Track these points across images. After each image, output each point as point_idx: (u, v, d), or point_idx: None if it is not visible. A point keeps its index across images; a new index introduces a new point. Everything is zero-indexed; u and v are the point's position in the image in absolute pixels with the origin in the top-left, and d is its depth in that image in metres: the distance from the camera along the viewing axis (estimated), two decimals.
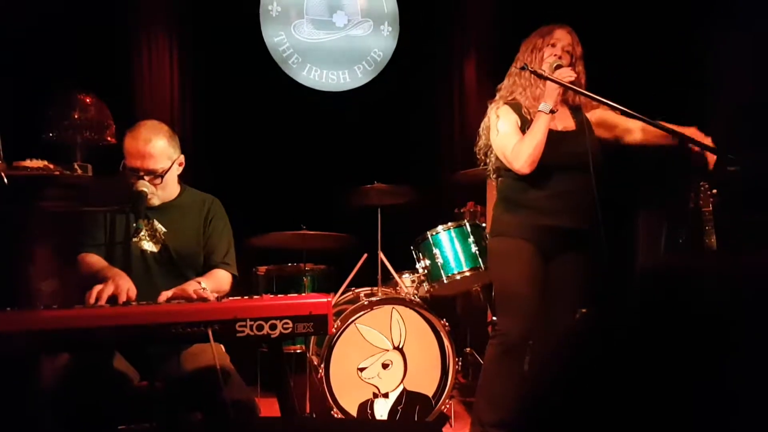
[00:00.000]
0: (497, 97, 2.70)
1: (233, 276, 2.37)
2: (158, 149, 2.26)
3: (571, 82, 2.46)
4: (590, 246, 2.57)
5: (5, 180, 2.44)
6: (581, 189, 2.56)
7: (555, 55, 2.54)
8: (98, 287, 1.97)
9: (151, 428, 2.20)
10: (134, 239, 2.29)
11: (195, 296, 2.00)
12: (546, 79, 2.45)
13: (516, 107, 2.60)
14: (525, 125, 2.55)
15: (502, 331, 2.56)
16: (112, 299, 1.97)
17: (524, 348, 2.49)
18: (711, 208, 3.43)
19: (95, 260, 2.23)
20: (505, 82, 2.70)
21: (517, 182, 2.56)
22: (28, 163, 2.61)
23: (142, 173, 2.24)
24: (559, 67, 2.49)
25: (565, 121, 2.60)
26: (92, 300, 1.93)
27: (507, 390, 2.50)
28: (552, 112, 2.46)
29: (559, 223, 2.53)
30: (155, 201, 2.29)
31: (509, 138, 2.53)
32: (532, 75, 2.52)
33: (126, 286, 2.00)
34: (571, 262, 2.60)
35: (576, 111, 2.65)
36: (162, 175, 2.27)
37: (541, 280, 2.56)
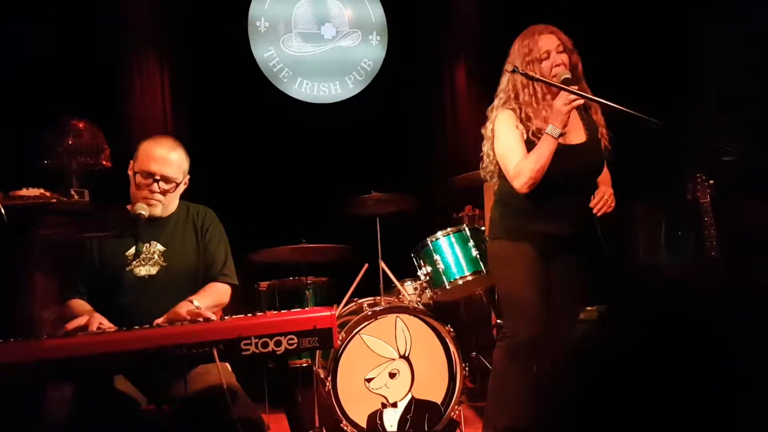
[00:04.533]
0: (496, 102, 2.60)
1: (233, 286, 2.38)
2: (177, 159, 2.35)
3: (572, 79, 2.42)
4: (589, 246, 2.55)
5: (2, 210, 2.44)
6: (582, 195, 2.54)
7: (555, 65, 2.46)
8: (73, 321, 2.02)
9: None
10: (127, 268, 2.28)
11: (189, 317, 2.00)
12: (561, 89, 2.37)
13: (518, 114, 2.50)
14: (528, 137, 2.46)
15: (509, 334, 2.54)
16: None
17: (533, 349, 2.46)
18: (708, 200, 3.44)
19: (79, 305, 2.24)
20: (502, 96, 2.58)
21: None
22: (24, 192, 2.61)
23: (158, 177, 2.28)
24: (567, 80, 2.40)
25: (576, 132, 2.52)
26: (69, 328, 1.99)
27: (518, 392, 2.48)
28: (561, 135, 2.37)
29: (558, 231, 2.51)
30: (158, 211, 2.31)
31: (513, 153, 2.46)
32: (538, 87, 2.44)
33: (99, 321, 2.05)
34: (571, 262, 2.58)
35: (585, 113, 2.57)
36: (177, 183, 2.33)
37: (544, 280, 2.54)
